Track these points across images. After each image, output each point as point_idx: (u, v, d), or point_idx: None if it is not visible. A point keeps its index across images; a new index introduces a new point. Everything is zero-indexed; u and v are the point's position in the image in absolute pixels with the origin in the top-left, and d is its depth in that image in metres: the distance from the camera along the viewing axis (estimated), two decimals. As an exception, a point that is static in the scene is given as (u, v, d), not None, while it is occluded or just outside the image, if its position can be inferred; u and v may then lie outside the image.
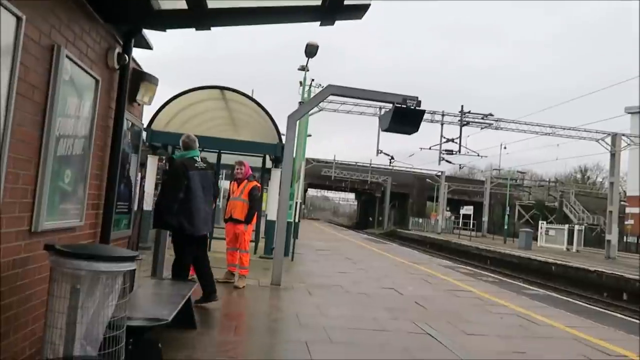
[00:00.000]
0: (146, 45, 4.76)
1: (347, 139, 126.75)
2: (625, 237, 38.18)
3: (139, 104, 4.84)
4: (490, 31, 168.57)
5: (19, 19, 2.55)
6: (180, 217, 5.34)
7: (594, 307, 10.75)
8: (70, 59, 3.20)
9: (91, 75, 3.60)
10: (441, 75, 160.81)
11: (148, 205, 10.60)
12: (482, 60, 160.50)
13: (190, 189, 5.36)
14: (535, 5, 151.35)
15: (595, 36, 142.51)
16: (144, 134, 10.16)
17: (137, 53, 4.51)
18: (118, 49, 4.08)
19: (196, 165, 5.49)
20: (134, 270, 3.09)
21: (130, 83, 4.34)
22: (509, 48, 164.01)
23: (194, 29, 4.18)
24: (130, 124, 4.58)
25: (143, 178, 10.33)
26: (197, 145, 5.69)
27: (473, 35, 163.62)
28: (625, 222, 40.81)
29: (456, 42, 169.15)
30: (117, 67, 4.06)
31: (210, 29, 4.20)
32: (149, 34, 4.57)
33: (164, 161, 7.97)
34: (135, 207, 5.50)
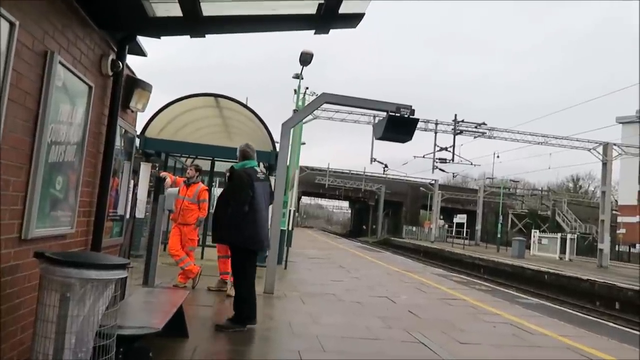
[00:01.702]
0: (140, 52, 4.76)
1: (341, 147, 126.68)
2: (617, 246, 38.50)
3: (132, 111, 4.83)
4: (482, 42, 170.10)
5: (12, 24, 2.54)
6: (245, 232, 4.95)
7: (587, 316, 10.77)
8: (64, 65, 3.18)
9: (84, 82, 3.59)
10: (435, 85, 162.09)
11: (140, 212, 10.50)
12: (475, 70, 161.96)
13: (255, 200, 5.03)
14: (525, 15, 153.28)
15: (585, 47, 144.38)
16: (137, 141, 10.14)
17: (131, 60, 4.51)
18: (112, 56, 4.07)
19: (258, 175, 5.22)
20: (125, 278, 3.06)
21: (124, 90, 4.33)
22: (501, 58, 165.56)
23: (188, 36, 4.19)
24: (123, 130, 4.56)
25: (135, 185, 10.26)
26: (256, 155, 5.49)
27: (465, 46, 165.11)
28: (617, 231, 41.14)
29: (448, 53, 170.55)
30: (110, 73, 4.05)
31: (204, 37, 4.21)
32: (143, 40, 4.57)
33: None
34: (128, 215, 5.44)
